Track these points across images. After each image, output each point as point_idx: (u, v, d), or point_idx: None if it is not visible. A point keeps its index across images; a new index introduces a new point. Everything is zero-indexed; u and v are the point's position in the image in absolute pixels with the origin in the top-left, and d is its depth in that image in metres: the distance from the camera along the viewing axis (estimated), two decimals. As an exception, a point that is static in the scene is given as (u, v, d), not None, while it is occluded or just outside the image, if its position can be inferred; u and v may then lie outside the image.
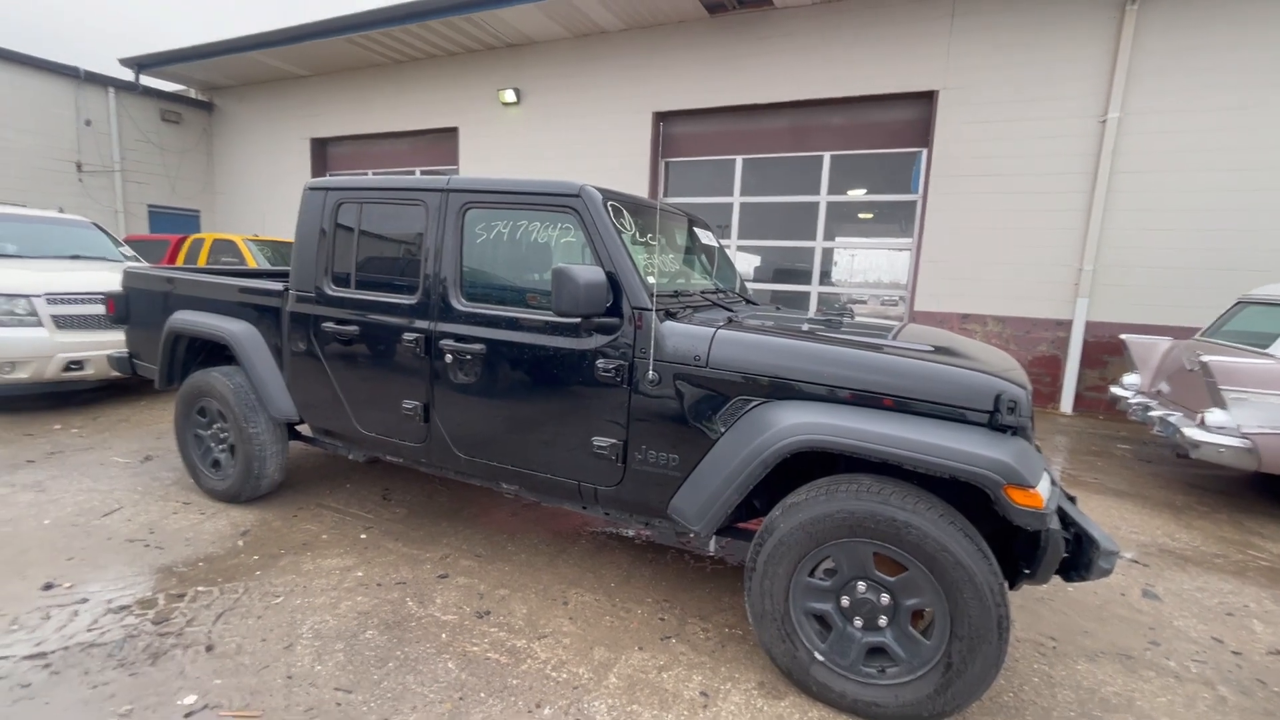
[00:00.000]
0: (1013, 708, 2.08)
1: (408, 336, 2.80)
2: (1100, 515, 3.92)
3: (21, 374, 4.62)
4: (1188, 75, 6.34)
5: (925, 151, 7.62)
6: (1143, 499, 4.29)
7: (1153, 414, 4.59)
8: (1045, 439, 5.84)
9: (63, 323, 4.79)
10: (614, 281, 2.37)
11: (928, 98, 7.48)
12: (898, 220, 8.20)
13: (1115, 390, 5.37)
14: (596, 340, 2.40)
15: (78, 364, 4.82)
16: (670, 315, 2.41)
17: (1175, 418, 4.32)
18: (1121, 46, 6.47)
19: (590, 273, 2.21)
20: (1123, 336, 5.45)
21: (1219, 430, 3.89)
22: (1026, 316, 7.25)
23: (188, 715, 1.88)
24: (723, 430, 2.21)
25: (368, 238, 3.01)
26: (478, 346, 2.63)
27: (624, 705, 2.00)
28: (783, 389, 2.13)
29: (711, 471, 2.20)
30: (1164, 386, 4.99)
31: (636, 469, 2.38)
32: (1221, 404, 3.90)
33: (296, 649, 2.21)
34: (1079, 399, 7.11)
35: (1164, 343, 5.22)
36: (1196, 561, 3.31)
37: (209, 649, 2.19)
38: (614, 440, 2.39)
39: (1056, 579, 2.86)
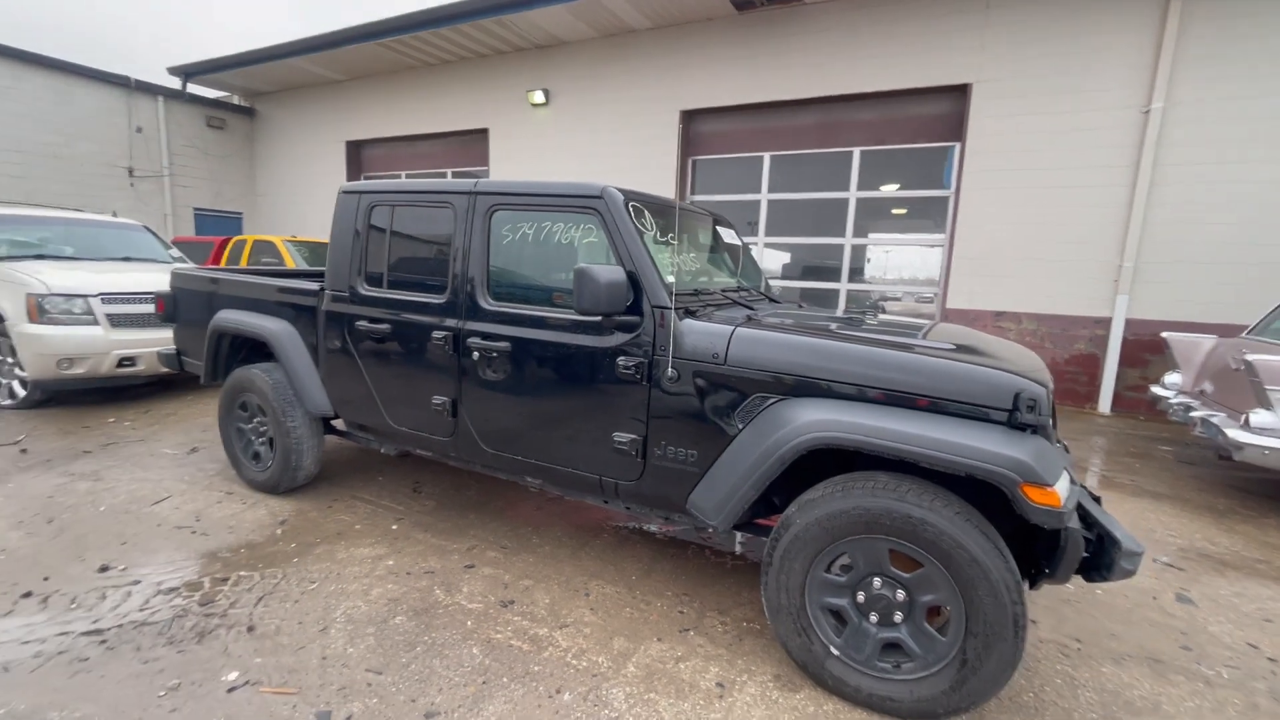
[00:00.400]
0: (1033, 708, 2.06)
1: (437, 335, 2.89)
2: (1136, 518, 3.82)
3: (79, 369, 4.89)
4: (1236, 63, 6.08)
5: (958, 146, 7.47)
6: (1183, 502, 4.16)
7: (1194, 414, 4.44)
8: (1082, 440, 5.69)
9: (116, 321, 5.05)
10: (634, 281, 2.41)
11: (961, 91, 7.34)
12: (930, 216, 8.06)
13: (1156, 390, 5.20)
14: (618, 338, 2.45)
15: (130, 360, 5.07)
16: (690, 313, 2.45)
17: (1218, 418, 4.17)
18: (1166, 34, 6.25)
19: (611, 272, 2.26)
20: (1164, 334, 5.28)
21: (1264, 431, 3.75)
22: (1063, 314, 7.06)
23: (230, 690, 1.99)
24: (740, 427, 2.24)
25: (399, 239, 3.12)
26: (504, 344, 2.71)
27: (641, 693, 2.05)
28: (800, 386, 2.15)
29: (729, 467, 2.23)
30: (1207, 386, 4.82)
31: (656, 464, 2.42)
32: (1267, 404, 3.76)
33: (331, 632, 2.32)
34: (1118, 399, 6.90)
35: (1208, 341, 5.05)
36: (1236, 566, 3.21)
37: (250, 630, 2.32)
38: (634, 436, 2.44)
39: (1086, 583, 2.82)
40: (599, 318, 2.43)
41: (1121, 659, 2.37)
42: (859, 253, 8.40)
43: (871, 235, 8.32)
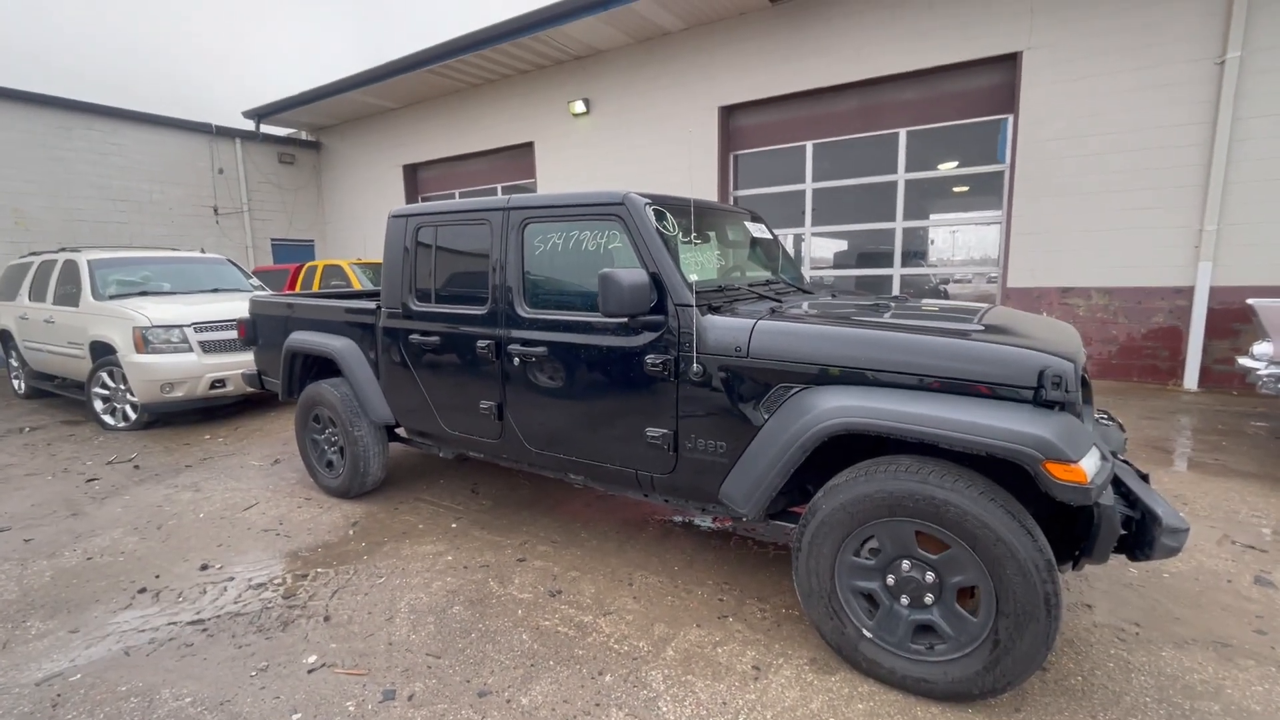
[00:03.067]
0: (1080, 691, 2.02)
1: (481, 343, 3.08)
2: (1218, 499, 3.59)
3: (179, 393, 5.44)
4: (1323, -1, 5.56)
5: (1011, 118, 7.15)
6: (1274, 480, 3.87)
7: (1285, 386, 4.11)
8: (1165, 418, 5.35)
9: (208, 347, 5.58)
10: (658, 281, 2.51)
11: (1010, 60, 7.02)
12: (986, 193, 7.73)
13: (1243, 362, 4.82)
14: (645, 337, 2.56)
15: (220, 382, 5.59)
16: (714, 309, 2.52)
17: (1311, 389, 3.85)
18: (1240, -25, 5.78)
19: (633, 275, 2.37)
20: (1250, 301, 4.89)
21: (1362, 400, 3.44)
22: (1138, 286, 6.62)
23: (310, 671, 2.23)
24: (766, 417, 2.29)
25: (443, 256, 3.33)
26: (541, 349, 2.86)
27: (679, 675, 2.14)
28: (822, 375, 2.18)
29: (756, 457, 2.29)
30: (1302, 354, 4.44)
31: (687, 457, 2.51)
32: (1364, 371, 3.45)
33: (396, 620, 2.53)
34: (1206, 373, 6.41)
35: (1301, 305, 4.64)
36: (1330, 547, 2.97)
37: (326, 619, 2.56)
38: (665, 430, 2.54)
39: (1140, 564, 2.71)
40: (625, 319, 2.53)
41: (1184, 643, 2.27)
42: (914, 236, 8.16)
43: (932, 216, 8.06)
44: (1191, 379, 6.44)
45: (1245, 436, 4.80)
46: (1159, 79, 6.25)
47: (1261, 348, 4.75)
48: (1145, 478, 2.18)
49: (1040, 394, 1.87)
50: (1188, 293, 6.39)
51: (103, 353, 5.76)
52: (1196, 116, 6.14)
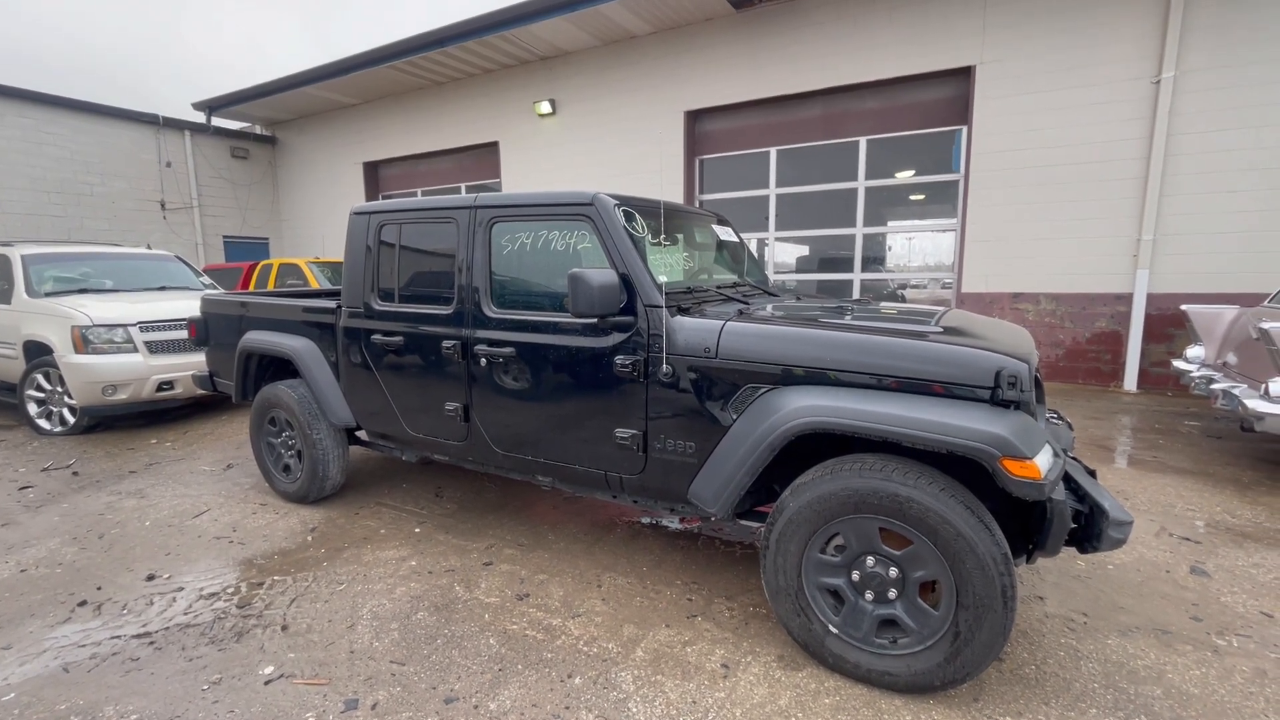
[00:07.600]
0: (1033, 680, 2.10)
1: (446, 344, 3.03)
2: (1156, 495, 3.79)
3: (122, 395, 5.18)
4: (1247, 27, 5.95)
5: (965, 129, 7.42)
6: (1206, 476, 4.10)
7: (1215, 387, 4.37)
8: (1106, 418, 5.61)
9: (154, 348, 5.33)
10: (628, 282, 2.51)
11: (965, 74, 7.29)
12: (942, 201, 8.00)
13: (1178, 364, 5.11)
14: (615, 338, 2.55)
15: (168, 384, 5.35)
16: (683, 311, 2.53)
17: (1239, 390, 4.10)
18: (1173, 1, 6.13)
19: (603, 275, 2.37)
20: (1184, 307, 5.19)
21: (1284, 400, 3.68)
22: (1083, 292, 6.95)
23: (267, 683, 2.14)
24: (734, 417, 2.32)
25: (407, 255, 3.27)
26: (509, 350, 2.83)
27: (649, 675, 2.14)
28: (789, 375, 2.22)
29: (725, 457, 2.31)
30: (1231, 358, 4.73)
31: (656, 457, 2.52)
32: (1286, 373, 3.70)
33: (358, 628, 2.47)
34: (1144, 375, 6.77)
35: (1230, 311, 4.95)
36: (1256, 537, 3.17)
37: (284, 628, 2.47)
38: (635, 431, 2.54)
39: (1087, 556, 2.84)
40: (594, 319, 2.53)
41: (1128, 631, 2.39)
42: (873, 242, 8.37)
43: (890, 223, 8.29)
44: (1131, 381, 6.79)
45: (1180, 435, 5.08)
46: (1101, 96, 6.58)
47: (1194, 351, 5.05)
48: (1092, 474, 2.28)
49: (996, 393, 1.94)
50: (1127, 299, 6.73)
51: (38, 353, 5.44)
52: (1134, 132, 6.48)
